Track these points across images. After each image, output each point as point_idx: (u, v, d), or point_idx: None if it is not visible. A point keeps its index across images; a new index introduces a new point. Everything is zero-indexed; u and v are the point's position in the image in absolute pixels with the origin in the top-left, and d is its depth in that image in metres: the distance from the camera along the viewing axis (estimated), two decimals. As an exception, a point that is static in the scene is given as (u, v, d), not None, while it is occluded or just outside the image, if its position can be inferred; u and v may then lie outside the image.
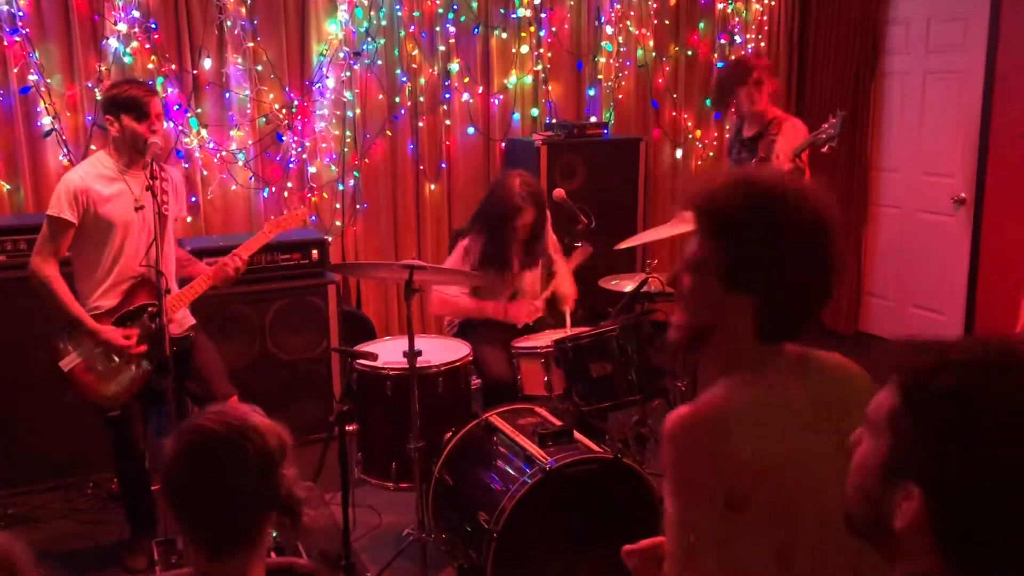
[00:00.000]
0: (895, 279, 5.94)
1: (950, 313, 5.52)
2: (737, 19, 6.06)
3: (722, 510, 1.42)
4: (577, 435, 2.97)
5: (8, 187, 4.33)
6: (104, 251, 3.23)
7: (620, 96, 5.81)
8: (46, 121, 4.34)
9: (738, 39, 6.06)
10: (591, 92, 5.75)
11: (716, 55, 6.05)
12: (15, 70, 4.26)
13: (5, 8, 4.20)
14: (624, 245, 4.02)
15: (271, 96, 4.85)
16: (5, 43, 4.23)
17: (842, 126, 3.82)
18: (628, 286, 3.80)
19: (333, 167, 5.08)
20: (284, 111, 4.89)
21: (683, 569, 1.47)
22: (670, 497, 1.50)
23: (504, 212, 3.68)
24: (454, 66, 5.29)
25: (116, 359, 3.24)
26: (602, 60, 5.73)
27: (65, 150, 4.39)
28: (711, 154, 6.07)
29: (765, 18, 6.11)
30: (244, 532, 1.51)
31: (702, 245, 1.50)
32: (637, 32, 5.78)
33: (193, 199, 4.76)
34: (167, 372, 3.24)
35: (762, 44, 6.11)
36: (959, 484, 1.01)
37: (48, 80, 4.35)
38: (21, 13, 4.24)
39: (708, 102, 6.03)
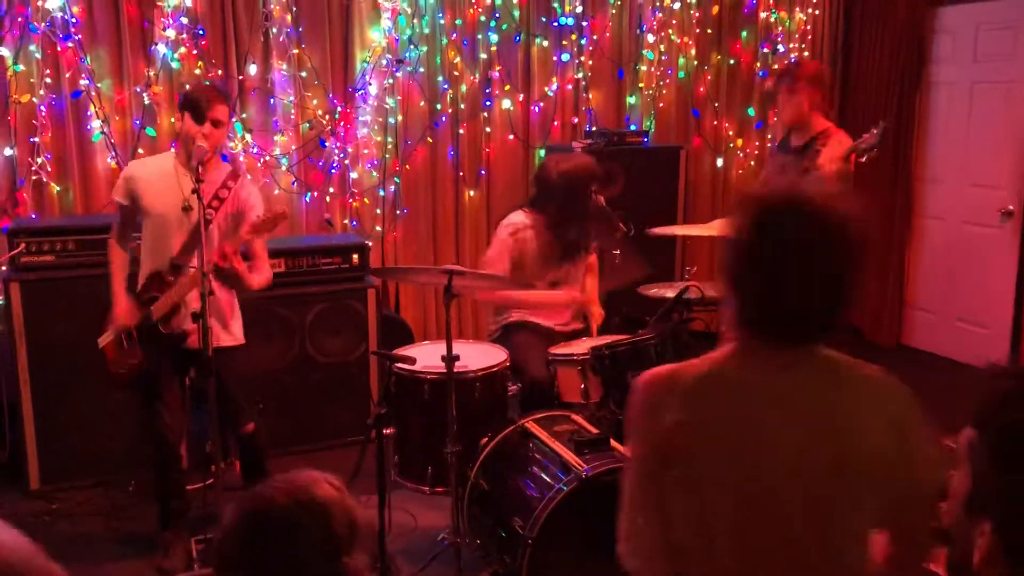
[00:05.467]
0: (939, 292, 5.85)
1: (996, 327, 5.41)
2: (780, 28, 6.02)
3: (656, 468, 1.56)
4: (613, 443, 2.95)
5: (58, 188, 4.43)
6: (145, 238, 3.39)
7: (661, 104, 5.79)
8: (95, 124, 4.44)
9: (781, 48, 6.02)
10: (632, 100, 5.74)
11: (759, 64, 6.01)
12: (67, 75, 4.37)
13: (60, 15, 4.31)
14: (658, 231, 4.41)
15: (315, 102, 4.91)
16: (59, 48, 4.33)
17: (883, 136, 3.78)
18: (668, 293, 3.78)
19: (374, 173, 5.12)
20: (327, 117, 4.95)
21: (623, 517, 1.62)
22: (627, 445, 1.67)
23: (580, 181, 3.58)
24: (495, 73, 5.32)
25: (135, 339, 3.37)
26: (643, 68, 5.72)
27: (113, 152, 4.49)
28: (752, 163, 6.03)
29: (809, 27, 6.06)
30: None
31: None
32: (679, 41, 5.77)
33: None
34: (208, 374, 3.28)
35: (805, 53, 6.06)
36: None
37: (98, 84, 4.44)
38: (74, 20, 4.34)
39: (751, 111, 5.99)
